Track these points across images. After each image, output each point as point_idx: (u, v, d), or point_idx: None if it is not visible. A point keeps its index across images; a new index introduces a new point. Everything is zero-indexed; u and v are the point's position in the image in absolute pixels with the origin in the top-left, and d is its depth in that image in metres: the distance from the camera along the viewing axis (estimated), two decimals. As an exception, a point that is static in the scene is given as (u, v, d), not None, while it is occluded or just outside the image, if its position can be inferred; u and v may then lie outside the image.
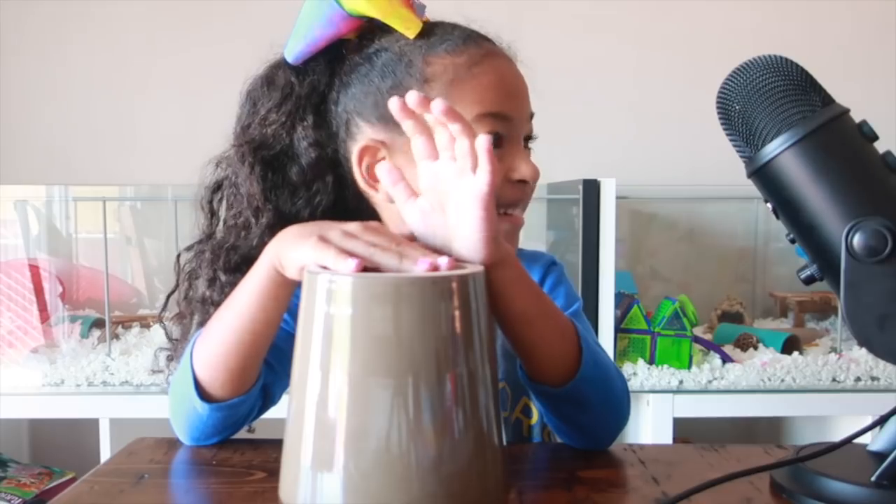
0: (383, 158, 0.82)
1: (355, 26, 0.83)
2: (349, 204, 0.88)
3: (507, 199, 0.80)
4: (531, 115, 0.85)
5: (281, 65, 0.86)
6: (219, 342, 0.73)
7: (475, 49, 0.82)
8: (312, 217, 0.84)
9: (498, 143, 0.79)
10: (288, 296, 0.70)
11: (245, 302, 0.71)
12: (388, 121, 0.80)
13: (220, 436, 0.78)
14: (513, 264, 0.68)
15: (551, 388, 0.73)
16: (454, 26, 0.85)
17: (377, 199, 0.84)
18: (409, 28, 0.82)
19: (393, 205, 0.78)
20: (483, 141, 0.63)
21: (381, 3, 0.81)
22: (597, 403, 0.75)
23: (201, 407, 0.74)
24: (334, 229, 0.65)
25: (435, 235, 0.68)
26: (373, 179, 0.83)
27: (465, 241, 0.65)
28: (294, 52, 0.85)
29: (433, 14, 0.86)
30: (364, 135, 0.83)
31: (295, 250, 0.66)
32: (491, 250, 0.65)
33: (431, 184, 0.68)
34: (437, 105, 0.64)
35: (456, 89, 0.80)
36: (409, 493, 0.56)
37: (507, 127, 0.81)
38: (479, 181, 0.63)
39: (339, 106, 0.85)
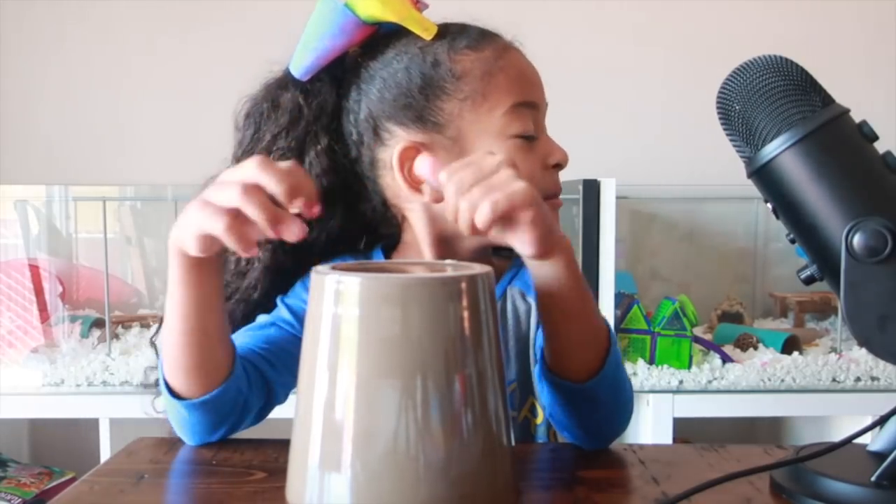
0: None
1: (367, 34, 0.83)
2: (369, 220, 0.89)
3: (548, 186, 0.83)
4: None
5: (285, 84, 0.85)
6: (169, 342, 0.72)
7: (494, 43, 0.85)
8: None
9: (531, 133, 0.83)
10: (209, 274, 0.68)
11: (172, 295, 0.70)
12: (424, 121, 0.82)
13: (220, 430, 0.77)
14: (565, 257, 0.68)
15: (572, 384, 0.73)
16: (464, 25, 0.86)
17: (416, 205, 0.85)
18: (426, 29, 0.83)
19: (436, 206, 0.80)
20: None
21: (396, 7, 0.81)
22: (609, 403, 0.75)
23: (181, 407, 0.74)
24: (213, 185, 0.63)
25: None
26: (416, 182, 0.82)
27: (519, 239, 0.66)
28: (302, 66, 0.84)
29: (437, 14, 0.86)
30: (398, 138, 0.83)
31: (184, 223, 0.64)
32: (541, 248, 0.66)
33: None
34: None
35: (488, 82, 0.82)
36: (418, 494, 0.56)
37: (536, 115, 0.84)
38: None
39: (360, 114, 0.85)
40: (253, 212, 0.60)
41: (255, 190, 0.61)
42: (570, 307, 0.70)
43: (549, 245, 0.66)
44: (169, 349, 0.73)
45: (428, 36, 0.83)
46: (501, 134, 0.82)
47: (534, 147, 0.83)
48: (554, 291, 0.68)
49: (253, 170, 0.61)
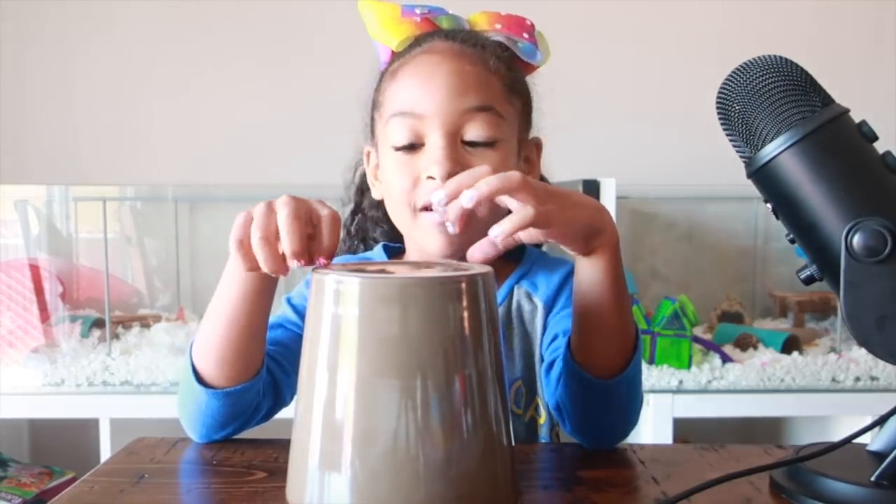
0: (377, 164, 0.90)
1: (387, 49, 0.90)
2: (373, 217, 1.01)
3: (419, 198, 0.82)
4: (478, 109, 0.81)
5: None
6: (211, 329, 0.73)
7: (415, 50, 0.86)
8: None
9: (411, 146, 0.81)
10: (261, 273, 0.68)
11: (226, 283, 0.72)
12: (368, 131, 0.92)
13: (228, 428, 0.77)
14: (609, 253, 0.70)
15: (594, 378, 0.73)
16: (435, 31, 0.87)
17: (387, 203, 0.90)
18: (387, 42, 0.87)
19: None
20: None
21: (377, 22, 0.87)
22: (622, 405, 0.75)
23: (203, 394, 0.74)
24: (258, 207, 0.65)
25: None
26: (375, 179, 0.92)
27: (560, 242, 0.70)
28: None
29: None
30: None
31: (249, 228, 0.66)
32: (580, 246, 0.70)
33: None
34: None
35: (386, 93, 0.86)
36: (418, 494, 0.56)
37: (422, 125, 0.81)
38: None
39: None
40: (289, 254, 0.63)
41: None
42: (607, 301, 0.71)
43: (588, 246, 0.70)
44: (208, 336, 0.73)
45: (392, 47, 0.87)
46: (385, 144, 0.85)
47: (416, 158, 0.81)
48: (594, 283, 0.71)
49: (329, 213, 0.66)
